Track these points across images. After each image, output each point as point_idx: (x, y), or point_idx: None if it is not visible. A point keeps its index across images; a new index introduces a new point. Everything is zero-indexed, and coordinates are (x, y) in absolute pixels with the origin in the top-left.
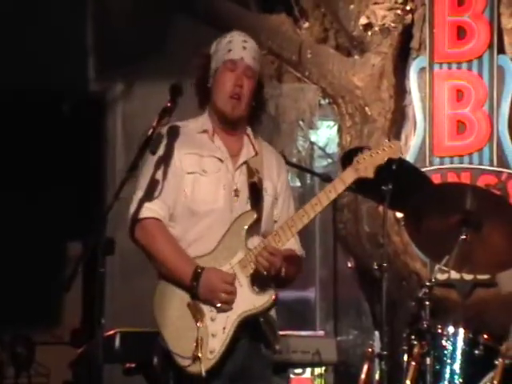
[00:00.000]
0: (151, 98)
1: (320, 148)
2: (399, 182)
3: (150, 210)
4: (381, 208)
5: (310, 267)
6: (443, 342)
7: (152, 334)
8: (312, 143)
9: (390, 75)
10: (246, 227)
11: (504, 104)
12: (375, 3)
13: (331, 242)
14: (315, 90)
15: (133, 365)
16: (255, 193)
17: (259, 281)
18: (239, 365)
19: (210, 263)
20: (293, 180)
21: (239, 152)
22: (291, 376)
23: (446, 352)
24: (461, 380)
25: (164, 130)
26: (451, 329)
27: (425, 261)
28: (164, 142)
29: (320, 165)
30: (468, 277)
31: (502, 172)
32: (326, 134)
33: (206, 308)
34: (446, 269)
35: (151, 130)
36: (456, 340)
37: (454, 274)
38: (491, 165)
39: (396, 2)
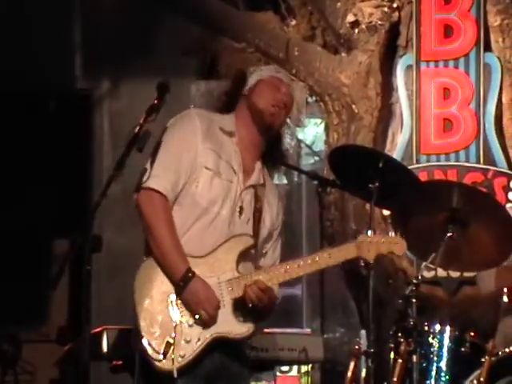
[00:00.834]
0: (138, 96)
1: (307, 146)
2: (386, 179)
3: (161, 184)
4: (368, 206)
5: None
6: (430, 340)
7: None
8: (299, 141)
9: (376, 73)
10: (241, 250)
11: (490, 102)
12: (362, 1)
13: (318, 240)
14: (302, 88)
15: (119, 362)
16: (257, 219)
17: (242, 309)
18: (216, 363)
19: (200, 268)
20: (280, 178)
21: (251, 172)
22: (277, 374)
23: (432, 350)
24: (447, 377)
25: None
26: (438, 326)
27: (411, 258)
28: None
29: (307, 162)
30: (454, 274)
31: (488, 170)
32: (312, 132)
33: (185, 311)
34: (432, 266)
35: (138, 128)
36: (442, 338)
37: (441, 272)
38: (478, 162)
39: (383, 0)
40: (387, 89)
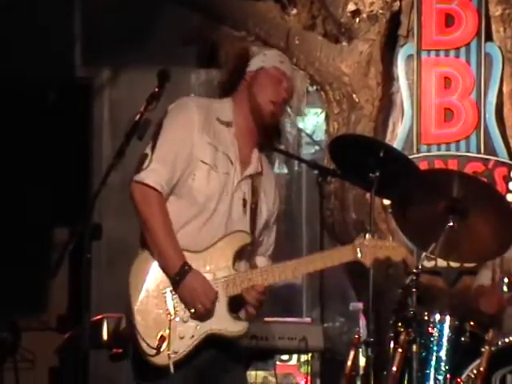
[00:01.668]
0: (138, 85)
1: (307, 135)
2: (386, 169)
3: (157, 180)
4: (368, 195)
5: (296, 254)
6: (429, 330)
7: None
8: (299, 130)
9: (377, 62)
10: (238, 247)
11: (491, 92)
12: None
13: (318, 230)
14: (303, 77)
15: (119, 350)
16: (254, 212)
17: (237, 307)
18: (210, 355)
19: (196, 263)
20: (280, 167)
21: (248, 162)
22: (277, 363)
23: (432, 339)
24: (447, 367)
25: (151, 115)
26: (437, 316)
27: (411, 248)
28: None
29: (307, 152)
30: (455, 264)
31: (489, 159)
32: (313, 121)
33: (180, 306)
34: (432, 256)
35: (138, 116)
36: (442, 327)
37: (441, 262)
38: (478, 152)
39: None
40: (388, 78)
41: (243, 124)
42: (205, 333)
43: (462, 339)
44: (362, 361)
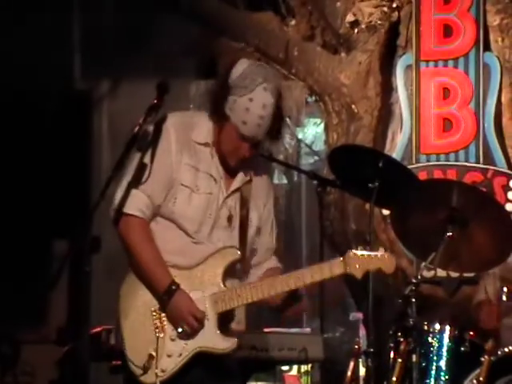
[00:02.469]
0: (137, 96)
1: (307, 145)
2: (385, 179)
3: (136, 207)
4: (367, 205)
5: (296, 264)
6: (429, 339)
7: None
8: (299, 140)
9: (376, 73)
10: (227, 263)
11: (490, 101)
12: (362, 1)
13: (318, 240)
14: (302, 88)
15: (119, 362)
16: (243, 227)
17: (226, 323)
18: (199, 378)
19: (185, 280)
20: (279, 177)
21: (235, 174)
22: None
23: (432, 349)
24: (447, 377)
25: (151, 127)
26: (437, 326)
27: (411, 258)
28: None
29: (307, 162)
30: (454, 274)
31: (487, 169)
32: (312, 132)
33: (168, 325)
34: (431, 266)
35: (137, 128)
36: (442, 337)
37: (441, 272)
38: (477, 162)
39: (382, 0)
40: (387, 89)
41: (229, 144)
42: (193, 350)
43: (462, 349)
44: (362, 371)
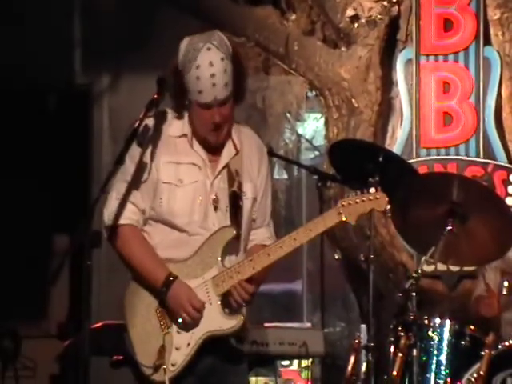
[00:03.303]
0: (138, 91)
1: (307, 140)
2: (386, 173)
3: (123, 216)
4: None
5: (297, 259)
6: (430, 334)
7: None
8: (299, 135)
9: (376, 67)
10: (224, 244)
11: (490, 95)
12: None
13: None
14: (302, 83)
15: (120, 357)
16: (235, 204)
17: (230, 302)
18: (209, 362)
19: (184, 271)
20: (280, 172)
21: (219, 153)
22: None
23: (432, 343)
24: (447, 371)
25: (151, 122)
26: (437, 320)
27: (411, 252)
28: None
29: (307, 157)
30: (454, 268)
31: (488, 163)
32: (312, 127)
33: (172, 319)
34: (432, 260)
35: (138, 123)
36: (442, 331)
37: (441, 266)
38: (477, 156)
39: None
40: (387, 83)
41: (197, 124)
42: (201, 337)
43: (462, 343)
44: (363, 365)
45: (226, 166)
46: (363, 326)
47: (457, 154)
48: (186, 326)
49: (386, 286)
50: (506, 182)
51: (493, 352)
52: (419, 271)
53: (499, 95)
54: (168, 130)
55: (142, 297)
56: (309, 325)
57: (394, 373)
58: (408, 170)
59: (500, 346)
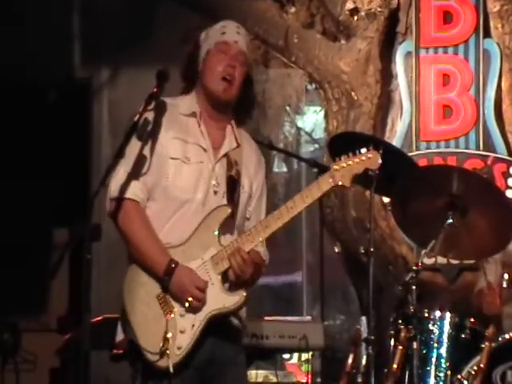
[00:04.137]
0: (137, 84)
1: (307, 133)
2: (385, 166)
3: (130, 190)
4: (367, 193)
5: (296, 252)
6: (430, 326)
7: None
8: (298, 128)
9: (376, 60)
10: (220, 222)
11: (490, 88)
12: None
13: (318, 227)
14: (302, 76)
15: (120, 351)
16: (232, 187)
17: (230, 277)
18: (208, 354)
19: (182, 255)
20: (279, 165)
21: (221, 143)
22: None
23: (432, 336)
24: (447, 364)
25: (150, 115)
26: (438, 313)
27: (411, 245)
28: (151, 119)
29: (306, 150)
30: (454, 261)
31: (488, 156)
32: (312, 120)
33: (175, 303)
34: (432, 254)
35: (137, 116)
36: (443, 324)
37: (441, 259)
38: (477, 149)
39: None
40: (387, 76)
41: (209, 111)
42: (205, 317)
43: (463, 336)
44: (363, 359)
45: (226, 154)
46: (363, 319)
47: (456, 147)
48: (194, 309)
49: (386, 279)
50: (505, 175)
51: (493, 345)
52: (419, 264)
53: (499, 87)
54: (178, 109)
55: (141, 283)
56: (309, 318)
57: (394, 366)
58: (408, 163)
59: (500, 339)
